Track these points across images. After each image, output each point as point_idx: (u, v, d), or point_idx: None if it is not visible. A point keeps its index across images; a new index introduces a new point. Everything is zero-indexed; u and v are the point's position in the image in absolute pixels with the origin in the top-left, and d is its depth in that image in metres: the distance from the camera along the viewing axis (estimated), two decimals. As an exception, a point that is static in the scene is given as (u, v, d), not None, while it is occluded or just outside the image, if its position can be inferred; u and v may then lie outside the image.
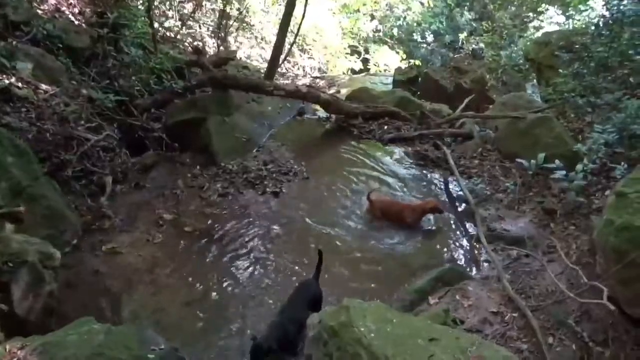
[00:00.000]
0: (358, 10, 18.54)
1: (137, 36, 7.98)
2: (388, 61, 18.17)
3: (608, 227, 4.22)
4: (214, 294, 5.04)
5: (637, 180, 4.29)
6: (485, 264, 5.38)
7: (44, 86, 6.42)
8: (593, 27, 7.90)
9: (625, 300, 4.04)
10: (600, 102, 6.83)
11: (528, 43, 12.93)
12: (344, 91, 11.69)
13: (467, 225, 6.14)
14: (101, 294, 4.98)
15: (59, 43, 7.34)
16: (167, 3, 12.34)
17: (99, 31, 7.44)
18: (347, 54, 17.23)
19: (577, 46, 7.89)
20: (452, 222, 6.26)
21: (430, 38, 16.46)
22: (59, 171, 5.91)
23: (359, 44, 18.34)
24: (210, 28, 13.61)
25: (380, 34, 18.93)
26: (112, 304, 4.87)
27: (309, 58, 16.01)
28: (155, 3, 11.55)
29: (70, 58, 7.39)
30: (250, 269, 5.41)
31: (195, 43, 12.26)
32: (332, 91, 11.73)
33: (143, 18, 8.73)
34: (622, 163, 5.31)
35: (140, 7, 9.56)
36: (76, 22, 8.18)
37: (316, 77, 14.78)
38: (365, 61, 18.15)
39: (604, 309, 3.98)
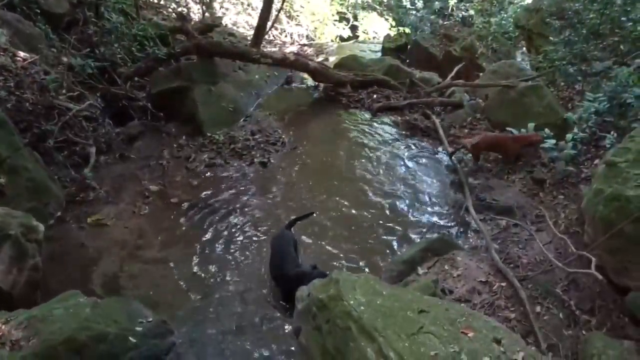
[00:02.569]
0: (347, -25, 18.16)
1: (119, 2, 7.71)
2: (377, 28, 17.88)
3: (597, 197, 4.24)
4: (201, 265, 4.98)
5: (627, 150, 4.29)
6: (474, 234, 5.38)
7: (22, 54, 6.20)
8: (587, -7, 7.77)
9: (612, 269, 4.08)
10: (590, 70, 6.77)
11: (518, 10, 12.78)
12: (332, 59, 11.54)
13: (457, 195, 6.10)
14: (87, 267, 4.91)
15: (37, 8, 7.09)
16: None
17: (77, -5, 7.19)
18: (335, 20, 16.91)
19: (568, 13, 7.77)
20: (441, 191, 6.24)
21: (419, 4, 16.08)
22: (40, 142, 5.78)
23: (348, 10, 17.98)
24: (195, -7, 13.23)
25: (369, 0, 18.57)
26: (99, 276, 4.81)
27: (297, 25, 15.67)
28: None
29: (49, 24, 7.14)
30: (239, 239, 5.36)
31: (180, 9, 11.93)
32: (320, 59, 11.55)
33: (124, -18, 8.42)
34: (612, 132, 5.29)
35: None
36: (55, -13, 7.87)
37: (304, 45, 14.52)
38: (353, 28, 17.82)
39: (592, 278, 4.03)
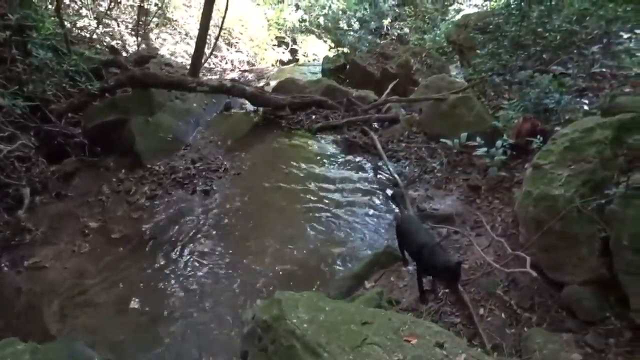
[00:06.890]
0: (282, 1, 18.47)
1: (47, 38, 7.50)
2: (317, 50, 18.25)
3: (527, 199, 4.43)
4: (146, 301, 4.86)
5: (550, 152, 4.51)
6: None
7: (-56, 97, 5.96)
8: (505, 7, 8.19)
9: (547, 266, 4.26)
10: (514, 79, 7.09)
11: (449, 26, 13.31)
12: (273, 83, 11.63)
13: (399, 207, 6.20)
14: (25, 313, 4.72)
15: (-41, 50, 6.81)
16: (80, 2, 11.78)
17: (1, 34, 6.95)
18: (274, 45, 17.13)
19: (490, 27, 8.15)
20: (384, 205, 6.34)
21: (356, 25, 16.55)
22: (-31, 187, 5.54)
23: (286, 34, 18.27)
24: (130, 25, 13.10)
25: (307, 23, 18.91)
26: (39, 322, 4.61)
27: (237, 51, 15.78)
28: (67, 2, 11.00)
29: (-28, 65, 6.88)
30: (184, 272, 5.27)
31: (114, 42, 11.78)
32: (261, 84, 11.65)
33: (53, 18, 8.23)
34: (538, 136, 5.54)
35: (50, 5, 9.09)
36: (-24, 26, 7.61)
37: (245, 71, 14.63)
38: (293, 52, 18.11)
39: (529, 277, 4.16)
